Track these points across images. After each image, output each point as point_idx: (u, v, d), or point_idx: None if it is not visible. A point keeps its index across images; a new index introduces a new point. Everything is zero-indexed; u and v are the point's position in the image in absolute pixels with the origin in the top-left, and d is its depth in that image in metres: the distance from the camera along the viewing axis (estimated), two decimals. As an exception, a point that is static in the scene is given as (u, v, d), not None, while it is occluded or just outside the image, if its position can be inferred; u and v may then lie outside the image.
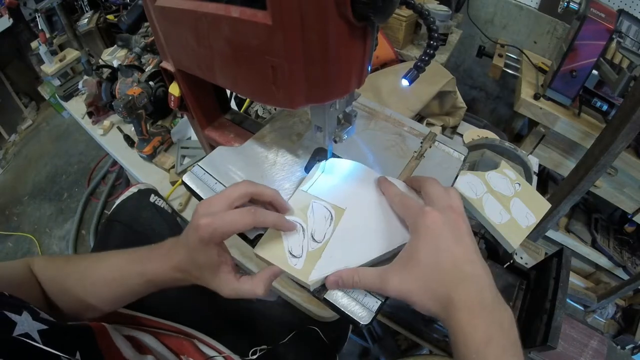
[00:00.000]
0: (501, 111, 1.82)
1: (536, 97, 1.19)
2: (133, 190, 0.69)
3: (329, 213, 0.40)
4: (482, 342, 0.29)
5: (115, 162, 1.81)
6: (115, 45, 1.22)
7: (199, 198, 0.44)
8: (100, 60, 1.16)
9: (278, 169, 0.46)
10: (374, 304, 0.35)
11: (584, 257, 1.45)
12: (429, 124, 0.95)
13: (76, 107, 1.05)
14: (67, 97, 1.07)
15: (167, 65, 0.46)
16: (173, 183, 0.80)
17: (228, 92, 0.63)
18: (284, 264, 0.37)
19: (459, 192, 0.39)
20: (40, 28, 1.21)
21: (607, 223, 1.51)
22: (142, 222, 0.64)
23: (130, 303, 0.44)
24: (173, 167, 0.84)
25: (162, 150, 0.88)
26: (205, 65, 0.39)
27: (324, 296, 0.36)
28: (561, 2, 1.03)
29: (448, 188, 0.38)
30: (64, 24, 1.10)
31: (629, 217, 1.29)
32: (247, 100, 0.89)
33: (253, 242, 0.39)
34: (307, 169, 0.46)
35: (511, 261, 0.72)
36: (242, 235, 0.39)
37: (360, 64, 0.32)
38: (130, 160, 0.89)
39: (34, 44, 1.35)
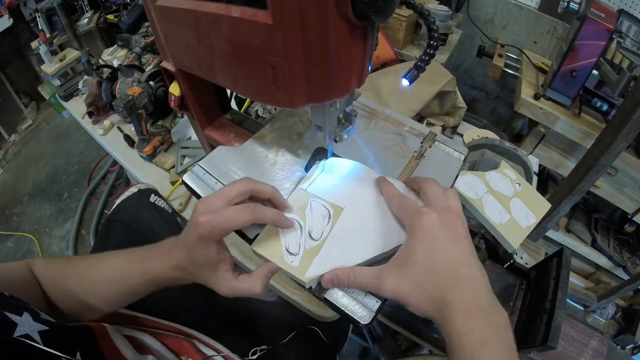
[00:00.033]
0: (501, 111, 1.82)
1: (536, 97, 1.19)
2: (133, 190, 0.69)
3: (327, 212, 0.40)
4: (477, 345, 0.29)
5: (115, 162, 1.82)
6: (116, 45, 1.22)
7: (199, 198, 0.44)
8: (100, 60, 1.16)
9: (278, 169, 0.46)
10: (374, 303, 0.35)
11: (584, 257, 1.45)
12: (429, 124, 0.95)
13: (76, 107, 1.05)
14: (67, 97, 1.07)
15: (168, 65, 0.46)
16: (173, 183, 0.80)
17: (228, 91, 0.63)
18: (280, 261, 0.37)
19: (458, 192, 0.38)
20: (40, 28, 1.21)
21: (607, 223, 1.51)
22: (142, 222, 0.64)
23: (130, 303, 0.44)
24: (173, 167, 0.84)
25: (162, 150, 0.88)
26: (205, 65, 0.39)
27: (324, 296, 0.36)
28: (561, 2, 1.04)
29: (447, 189, 0.38)
30: (64, 24, 1.10)
31: (629, 217, 1.29)
32: (247, 100, 0.89)
33: (252, 242, 0.39)
34: (307, 168, 0.46)
35: (511, 261, 0.72)
36: (242, 235, 0.39)
37: (360, 63, 0.32)
38: (131, 160, 0.89)
39: (34, 44, 1.35)
